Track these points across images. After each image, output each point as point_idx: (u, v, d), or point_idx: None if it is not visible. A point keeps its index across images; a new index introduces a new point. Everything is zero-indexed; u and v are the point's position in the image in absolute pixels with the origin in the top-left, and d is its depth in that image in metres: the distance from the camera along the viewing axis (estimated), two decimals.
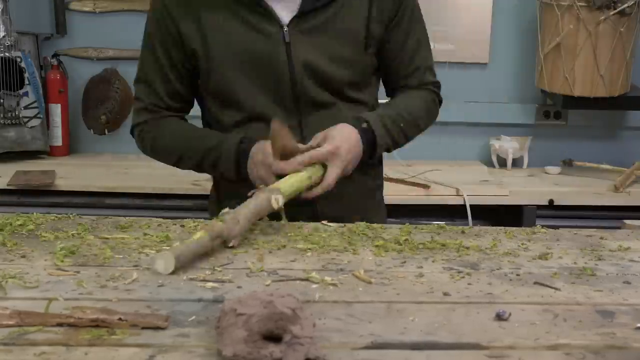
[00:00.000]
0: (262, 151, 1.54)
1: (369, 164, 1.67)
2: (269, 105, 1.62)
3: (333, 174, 1.52)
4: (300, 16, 1.59)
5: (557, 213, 2.59)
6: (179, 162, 1.70)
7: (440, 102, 1.79)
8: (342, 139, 1.54)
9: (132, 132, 1.75)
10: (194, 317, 1.00)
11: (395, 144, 1.68)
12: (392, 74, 1.74)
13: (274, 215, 1.42)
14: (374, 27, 1.64)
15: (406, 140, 1.71)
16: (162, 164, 1.75)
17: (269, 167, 1.51)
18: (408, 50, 1.70)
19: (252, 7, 1.59)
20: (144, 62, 1.68)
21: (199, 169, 1.67)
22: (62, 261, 1.21)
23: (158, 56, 1.64)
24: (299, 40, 1.60)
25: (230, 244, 1.30)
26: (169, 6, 1.61)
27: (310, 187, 1.52)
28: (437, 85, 1.78)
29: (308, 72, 1.61)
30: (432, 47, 1.78)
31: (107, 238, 1.35)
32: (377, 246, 1.35)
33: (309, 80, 1.61)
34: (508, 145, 2.98)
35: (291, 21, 1.59)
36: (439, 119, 1.81)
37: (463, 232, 1.48)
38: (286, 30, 1.59)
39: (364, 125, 1.60)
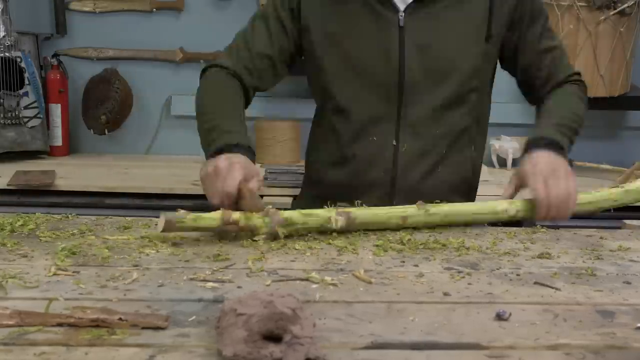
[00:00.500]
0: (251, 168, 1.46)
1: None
2: (363, 94, 1.64)
3: (535, 184, 1.52)
4: (417, 2, 1.62)
5: None
6: (198, 117, 1.65)
7: (586, 89, 1.82)
8: (530, 160, 1.57)
9: (204, 70, 1.75)
10: (194, 317, 1.00)
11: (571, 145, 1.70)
12: (533, 76, 1.77)
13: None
14: (495, 26, 1.66)
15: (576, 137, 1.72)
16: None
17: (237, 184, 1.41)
18: (543, 45, 1.72)
19: None
20: (253, 28, 1.71)
21: (200, 132, 1.61)
22: (63, 261, 1.21)
23: (269, 24, 1.68)
24: (413, 25, 1.62)
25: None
26: None
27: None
28: (579, 74, 1.80)
29: (420, 56, 1.62)
30: None
31: (107, 238, 1.35)
32: (377, 246, 1.35)
33: (419, 65, 1.62)
34: (508, 145, 2.97)
35: (407, 7, 1.63)
36: None
37: (463, 232, 1.49)
38: (402, 15, 1.61)
39: (547, 140, 1.61)
